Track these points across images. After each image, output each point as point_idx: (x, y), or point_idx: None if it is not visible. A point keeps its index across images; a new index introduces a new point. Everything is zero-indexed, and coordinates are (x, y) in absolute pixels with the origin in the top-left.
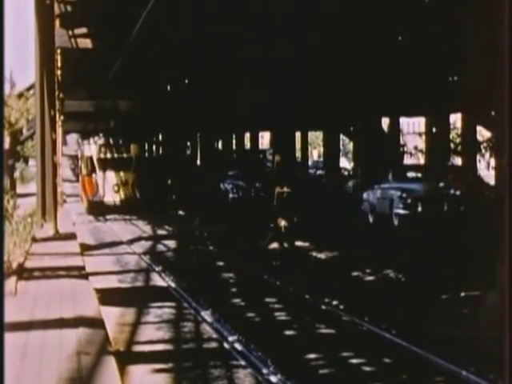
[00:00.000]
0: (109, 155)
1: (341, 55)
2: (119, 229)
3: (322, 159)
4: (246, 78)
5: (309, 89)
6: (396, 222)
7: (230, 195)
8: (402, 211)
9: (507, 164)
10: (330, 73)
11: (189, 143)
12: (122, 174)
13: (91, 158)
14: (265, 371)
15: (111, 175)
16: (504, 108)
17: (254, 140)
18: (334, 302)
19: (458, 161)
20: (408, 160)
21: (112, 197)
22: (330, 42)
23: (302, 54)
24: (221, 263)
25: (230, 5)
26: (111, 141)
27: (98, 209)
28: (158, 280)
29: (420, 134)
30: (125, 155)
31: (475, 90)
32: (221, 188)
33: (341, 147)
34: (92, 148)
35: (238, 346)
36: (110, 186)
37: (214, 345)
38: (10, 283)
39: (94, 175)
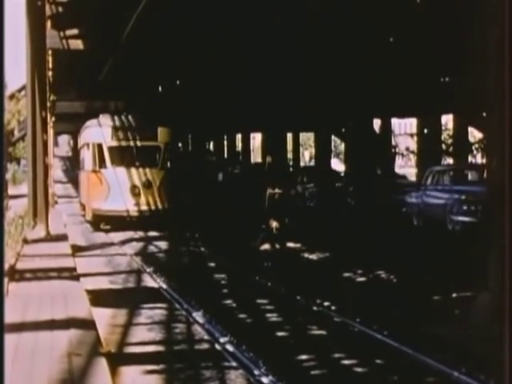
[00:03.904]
0: (125, 143)
1: (332, 56)
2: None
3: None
4: (237, 79)
5: (300, 90)
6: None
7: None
8: None
9: (507, 164)
10: (321, 74)
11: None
12: (144, 170)
13: (100, 146)
14: (256, 372)
15: (128, 172)
16: (504, 108)
17: (246, 141)
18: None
19: (449, 161)
20: (399, 161)
21: (129, 204)
22: (322, 44)
23: (294, 56)
24: (212, 264)
25: (222, 5)
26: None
27: (107, 221)
28: (150, 281)
29: (412, 135)
30: (149, 143)
31: (467, 91)
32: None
33: (332, 148)
34: (102, 131)
35: (229, 347)
36: (126, 189)
37: (205, 346)
38: None
39: (103, 171)
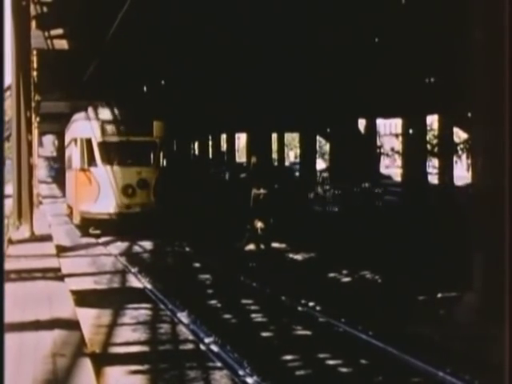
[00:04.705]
0: (117, 138)
1: (318, 57)
2: None
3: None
4: (223, 79)
5: (286, 91)
6: None
7: None
8: None
9: (507, 164)
10: (307, 75)
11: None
12: (138, 169)
13: (89, 142)
14: (241, 373)
15: (121, 171)
16: (504, 108)
17: (231, 141)
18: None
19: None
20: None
21: (121, 207)
22: (308, 45)
23: (281, 58)
24: (197, 264)
25: (211, 4)
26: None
27: (97, 225)
28: (134, 281)
29: (397, 136)
30: (143, 138)
31: (451, 92)
32: None
33: (317, 149)
34: (92, 125)
35: (214, 348)
36: (118, 189)
37: (190, 346)
38: None
39: (93, 170)
